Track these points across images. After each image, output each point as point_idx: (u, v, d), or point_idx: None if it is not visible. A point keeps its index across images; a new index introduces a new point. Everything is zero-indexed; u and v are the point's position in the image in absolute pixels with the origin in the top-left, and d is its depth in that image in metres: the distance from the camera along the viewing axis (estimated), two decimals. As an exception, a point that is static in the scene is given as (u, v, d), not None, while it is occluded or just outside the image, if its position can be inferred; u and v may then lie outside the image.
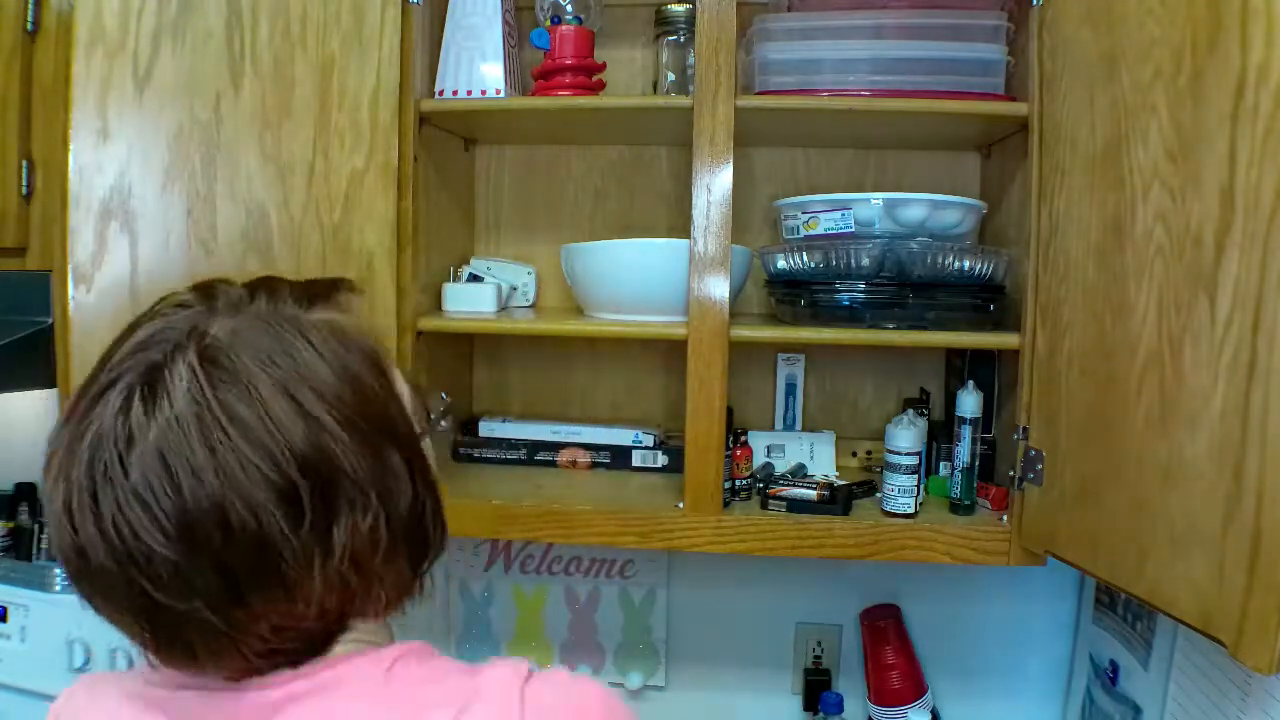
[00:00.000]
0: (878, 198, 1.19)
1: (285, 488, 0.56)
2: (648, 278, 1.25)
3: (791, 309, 1.26)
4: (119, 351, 0.59)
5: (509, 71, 1.27)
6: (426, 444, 0.69)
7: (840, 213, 1.21)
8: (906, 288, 1.18)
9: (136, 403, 0.55)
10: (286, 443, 0.56)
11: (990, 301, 1.20)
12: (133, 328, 0.61)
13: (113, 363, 0.58)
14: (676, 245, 1.20)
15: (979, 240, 1.30)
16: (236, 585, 0.56)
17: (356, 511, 0.59)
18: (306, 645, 0.61)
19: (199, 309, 0.61)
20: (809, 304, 1.22)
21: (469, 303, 1.32)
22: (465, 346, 1.53)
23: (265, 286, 0.65)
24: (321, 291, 0.67)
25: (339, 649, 0.63)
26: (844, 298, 1.19)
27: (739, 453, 1.27)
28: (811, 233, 1.23)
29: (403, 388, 0.67)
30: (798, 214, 1.25)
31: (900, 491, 1.20)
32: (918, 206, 1.19)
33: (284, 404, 0.57)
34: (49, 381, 1.30)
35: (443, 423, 0.73)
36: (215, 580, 0.55)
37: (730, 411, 1.21)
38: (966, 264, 1.18)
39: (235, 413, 0.55)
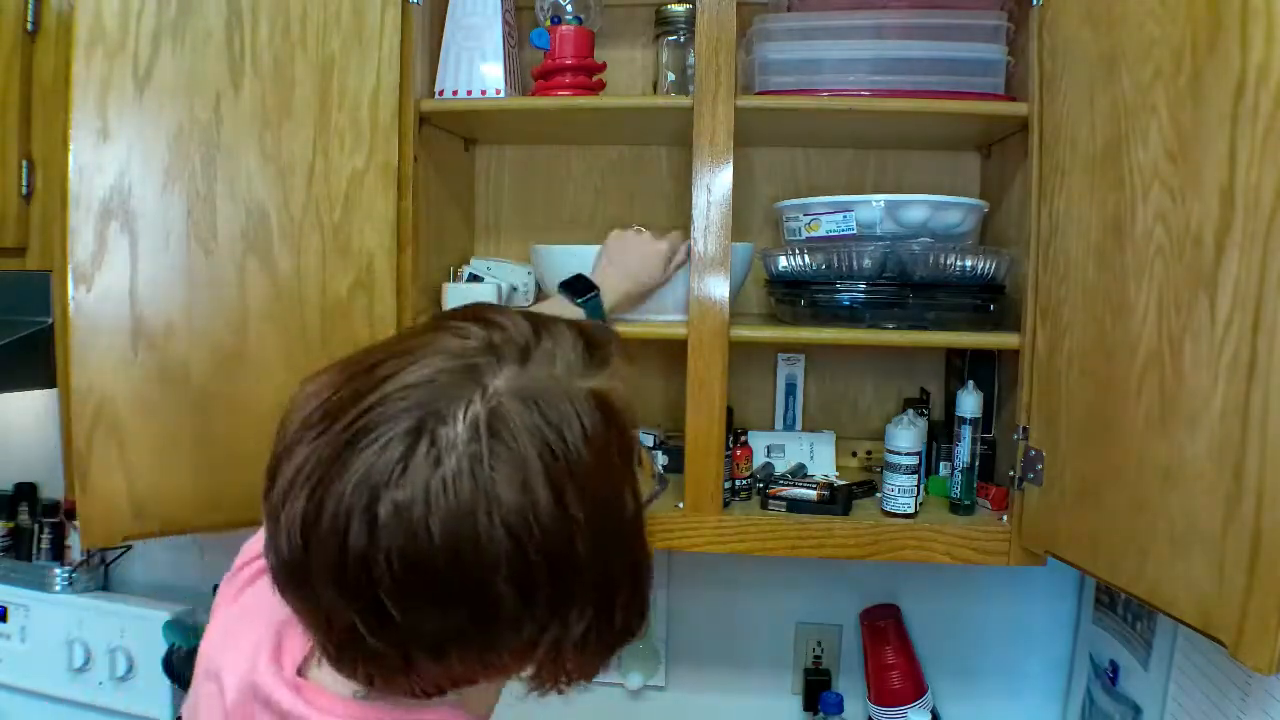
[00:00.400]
0: (879, 199, 1.19)
1: (525, 575, 0.55)
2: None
3: (792, 309, 1.26)
4: (396, 377, 0.57)
5: (509, 71, 1.27)
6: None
7: (842, 214, 1.21)
8: (907, 288, 1.18)
9: (418, 455, 0.54)
10: (541, 537, 0.55)
11: (990, 301, 1.20)
12: (408, 349, 0.59)
13: (388, 390, 0.56)
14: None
15: (980, 240, 1.30)
16: (441, 646, 0.56)
17: (575, 609, 0.58)
18: (436, 690, 0.61)
19: (480, 349, 0.59)
20: (809, 304, 1.22)
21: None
22: (465, 346, 1.53)
23: (549, 332, 0.62)
24: (600, 354, 0.64)
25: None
26: (844, 298, 1.19)
27: (739, 453, 1.27)
28: (813, 234, 1.23)
29: (641, 475, 0.65)
30: (799, 215, 1.25)
31: (900, 491, 1.20)
32: (919, 208, 1.19)
33: (548, 499, 0.55)
34: (49, 381, 1.30)
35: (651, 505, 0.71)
36: (424, 636, 0.56)
37: (730, 411, 1.21)
38: (968, 263, 1.18)
39: (503, 497, 0.54)
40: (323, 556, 0.55)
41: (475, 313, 0.64)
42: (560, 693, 0.65)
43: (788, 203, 1.28)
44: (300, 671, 0.66)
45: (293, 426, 0.59)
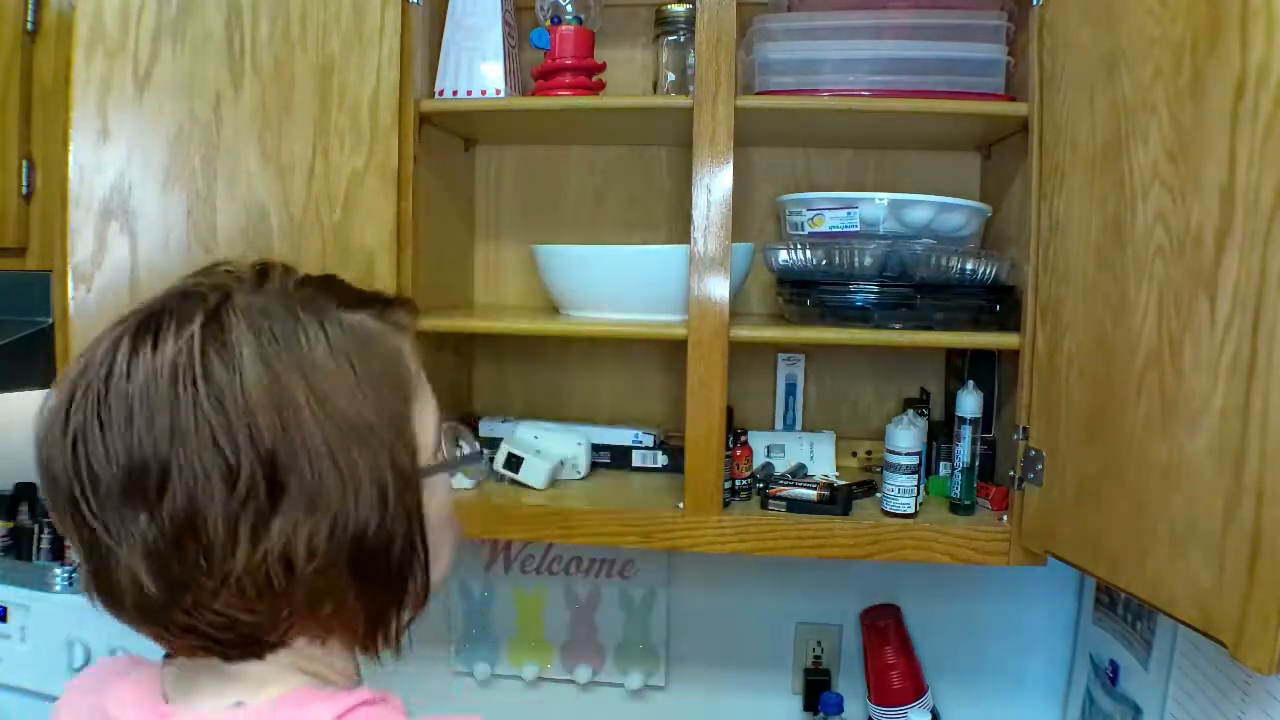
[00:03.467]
0: (884, 197, 1.19)
1: (232, 462, 0.54)
2: (644, 279, 1.25)
3: (799, 308, 1.25)
4: (138, 310, 0.60)
5: (509, 71, 1.27)
6: (435, 486, 0.66)
7: (846, 210, 1.20)
8: (916, 288, 1.18)
9: (127, 341, 0.56)
10: (249, 418, 0.54)
11: (998, 301, 1.20)
12: (185, 279, 0.62)
13: (142, 304, 0.59)
14: (671, 251, 1.21)
15: (981, 241, 1.30)
16: (162, 541, 0.54)
17: (300, 513, 0.55)
18: (232, 638, 0.58)
19: (243, 279, 0.61)
20: (817, 303, 1.22)
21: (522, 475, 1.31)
22: (466, 346, 1.53)
23: (322, 281, 0.64)
24: (376, 301, 0.65)
25: (296, 678, 0.61)
26: (857, 298, 1.19)
27: (739, 453, 1.27)
28: (816, 230, 1.23)
29: (426, 420, 0.65)
30: (802, 210, 1.25)
31: (900, 491, 1.20)
32: (923, 208, 1.19)
33: (265, 381, 0.55)
34: (49, 381, 1.28)
35: (470, 471, 0.70)
36: (146, 529, 0.54)
37: (730, 411, 1.21)
38: (969, 266, 1.18)
39: (210, 372, 0.54)
40: (62, 460, 0.56)
41: (263, 262, 0.65)
42: (341, 646, 0.63)
43: (791, 196, 1.28)
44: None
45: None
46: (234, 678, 0.61)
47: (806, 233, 1.24)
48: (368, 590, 0.60)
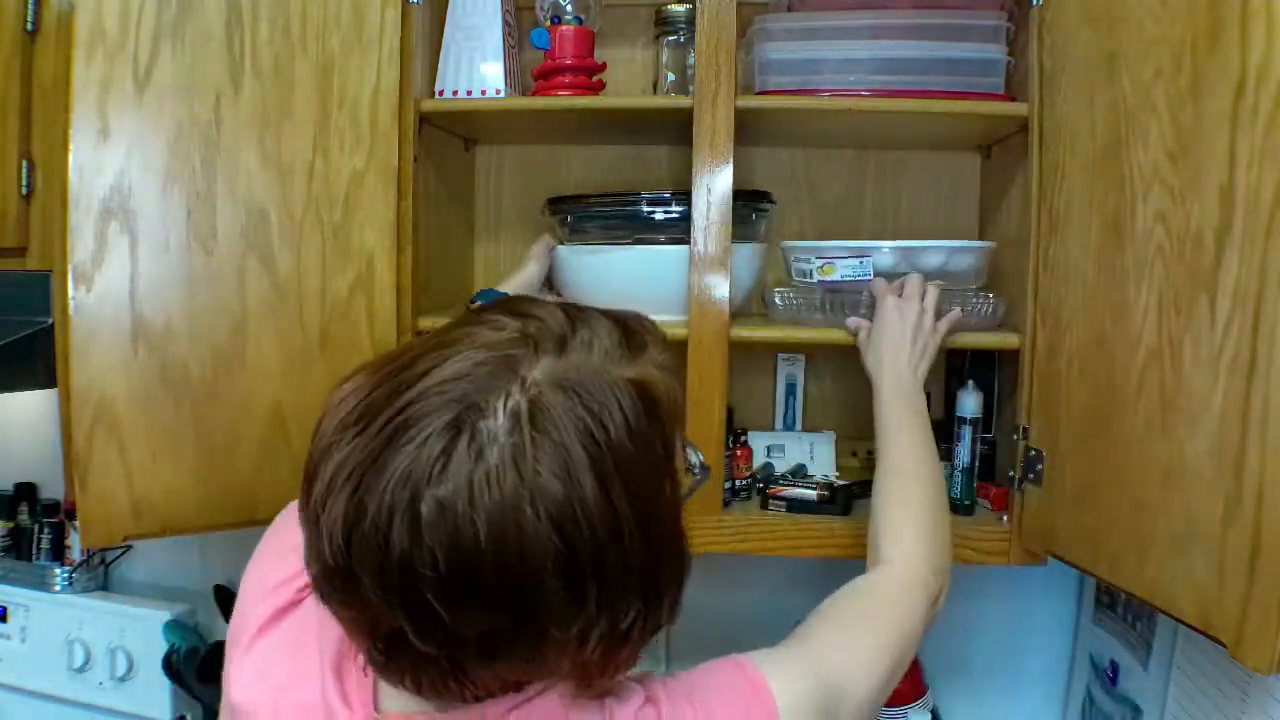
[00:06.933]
0: (895, 245, 1.18)
1: (574, 570, 0.54)
2: (645, 279, 1.25)
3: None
4: (432, 372, 0.56)
5: (509, 71, 1.27)
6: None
7: (859, 260, 1.18)
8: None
9: (459, 449, 0.53)
10: (588, 529, 0.54)
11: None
12: (442, 343, 0.59)
13: (426, 385, 0.56)
14: (671, 251, 1.22)
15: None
16: (490, 646, 0.56)
17: (623, 604, 0.57)
18: (520, 691, 0.62)
19: (516, 340, 0.58)
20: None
21: None
22: (465, 346, 1.53)
23: (584, 320, 0.62)
24: (636, 340, 0.63)
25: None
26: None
27: (739, 453, 1.27)
28: (827, 278, 1.21)
29: (679, 460, 0.65)
30: (811, 258, 1.22)
31: (900, 491, 1.20)
32: (936, 254, 1.18)
33: (594, 490, 0.54)
34: (49, 381, 1.30)
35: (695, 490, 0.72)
36: (472, 636, 0.55)
37: (730, 411, 1.21)
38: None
39: (549, 489, 0.53)
40: (366, 559, 0.54)
41: (509, 305, 0.63)
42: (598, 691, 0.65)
43: (798, 244, 1.25)
44: (377, 708, 0.65)
45: (329, 429, 0.58)
46: None
47: (816, 280, 1.22)
48: (658, 622, 0.63)
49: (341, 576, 0.55)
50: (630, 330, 0.64)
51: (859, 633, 0.82)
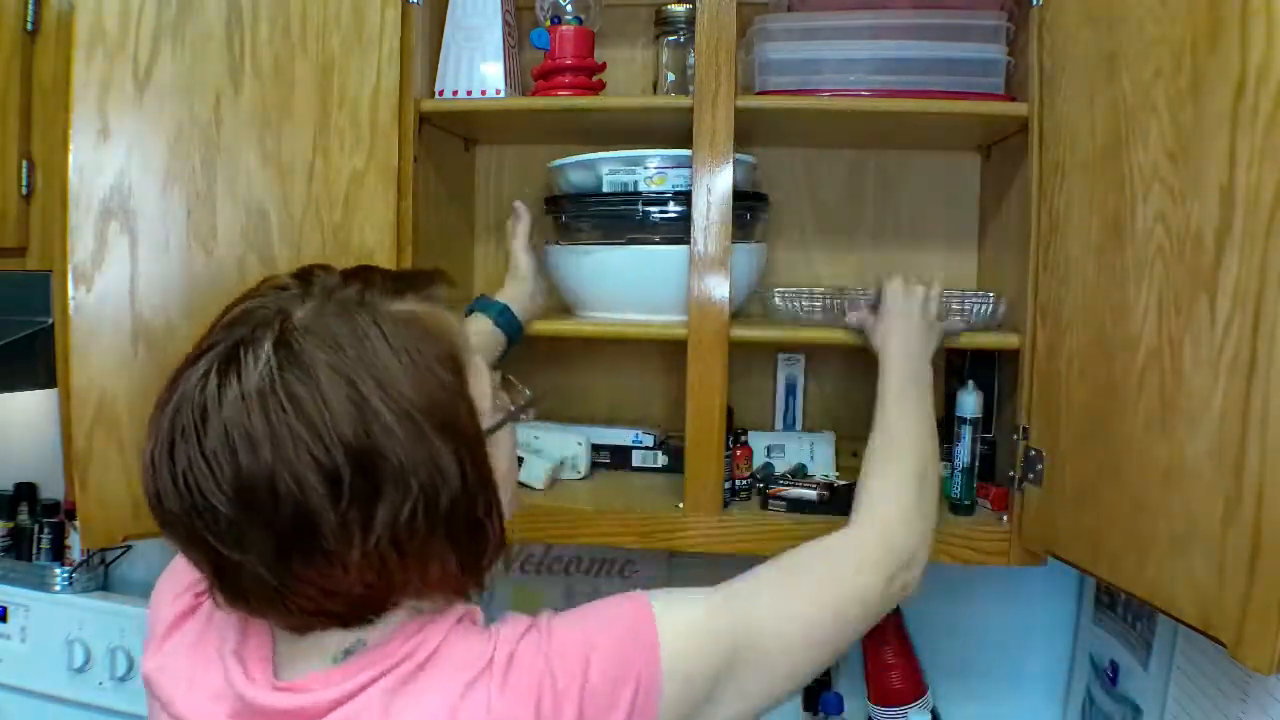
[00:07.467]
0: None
1: (330, 467, 0.60)
2: (645, 280, 1.25)
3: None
4: (216, 324, 0.66)
5: (509, 71, 1.27)
6: (500, 439, 0.73)
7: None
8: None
9: (214, 376, 0.62)
10: (335, 427, 0.60)
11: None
12: (235, 303, 0.68)
13: (209, 334, 0.66)
14: (671, 251, 1.21)
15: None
16: (283, 548, 0.61)
17: (398, 498, 0.62)
18: (352, 610, 0.66)
19: (293, 292, 0.67)
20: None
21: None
22: (465, 346, 1.53)
23: (360, 275, 0.70)
24: (413, 282, 0.71)
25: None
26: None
27: (739, 453, 1.27)
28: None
29: (481, 383, 0.72)
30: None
31: (900, 491, 1.20)
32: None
33: (340, 390, 0.61)
34: (49, 381, 1.30)
35: (524, 417, 0.78)
36: (266, 541, 0.61)
37: (730, 411, 1.21)
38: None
39: (294, 393, 0.61)
40: (176, 498, 0.62)
41: (301, 269, 0.71)
42: (446, 600, 0.70)
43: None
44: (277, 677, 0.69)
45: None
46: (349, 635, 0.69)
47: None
48: (461, 548, 0.68)
49: (157, 503, 0.63)
50: (406, 276, 0.72)
51: (797, 597, 0.86)
